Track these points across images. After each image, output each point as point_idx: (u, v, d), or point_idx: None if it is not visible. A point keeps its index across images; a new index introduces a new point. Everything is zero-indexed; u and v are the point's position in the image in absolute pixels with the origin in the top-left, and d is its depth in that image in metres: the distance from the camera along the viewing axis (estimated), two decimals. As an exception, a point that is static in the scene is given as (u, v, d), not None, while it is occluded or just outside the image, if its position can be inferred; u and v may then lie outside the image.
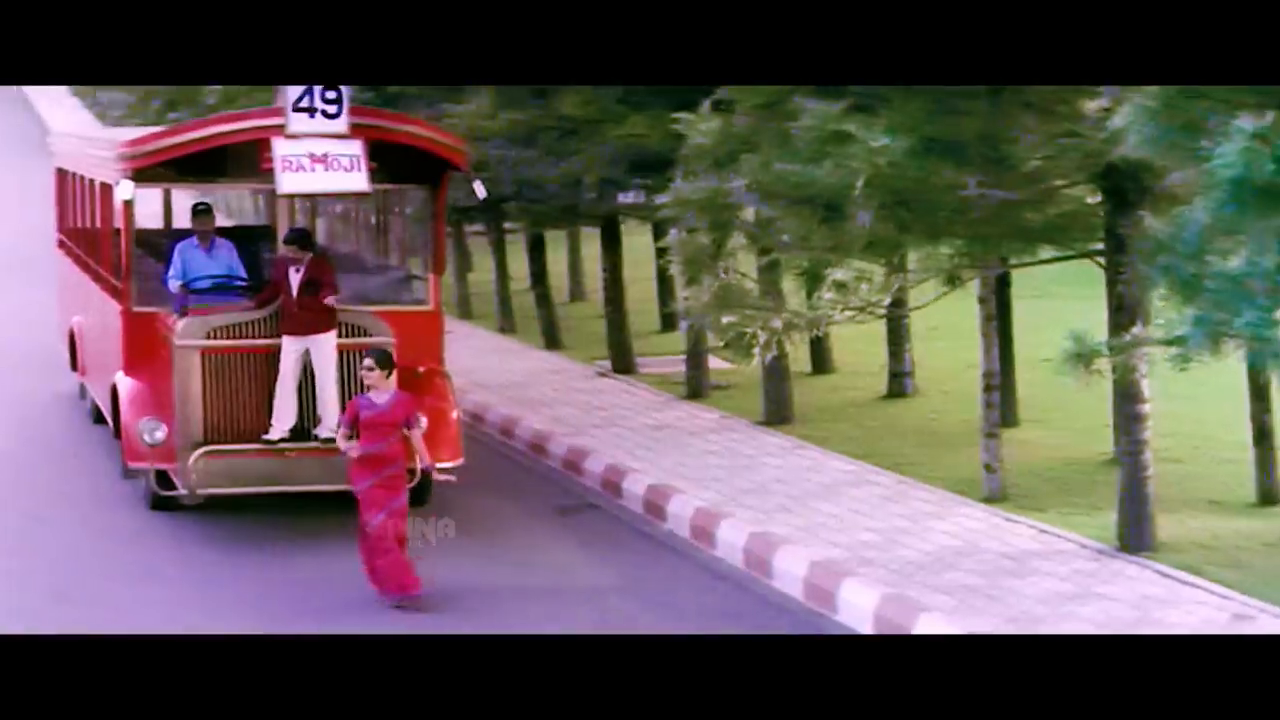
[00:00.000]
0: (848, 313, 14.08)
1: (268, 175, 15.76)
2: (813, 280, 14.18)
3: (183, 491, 15.66)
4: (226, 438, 15.66)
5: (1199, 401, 19.16)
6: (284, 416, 15.69)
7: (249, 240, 18.79)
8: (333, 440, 15.02)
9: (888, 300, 14.62)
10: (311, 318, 15.62)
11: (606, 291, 23.77)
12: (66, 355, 22.16)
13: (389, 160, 16.23)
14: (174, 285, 17.11)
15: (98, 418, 19.75)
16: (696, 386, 21.21)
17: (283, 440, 15.73)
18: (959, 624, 12.07)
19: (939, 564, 13.63)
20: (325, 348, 15.66)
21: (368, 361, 13.51)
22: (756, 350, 14.05)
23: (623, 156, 19.46)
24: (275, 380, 15.68)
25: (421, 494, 15.39)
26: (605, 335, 24.01)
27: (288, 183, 15.63)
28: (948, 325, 24.20)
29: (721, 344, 15.45)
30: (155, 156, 16.41)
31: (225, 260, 17.63)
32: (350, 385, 15.58)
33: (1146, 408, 13.80)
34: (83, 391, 21.43)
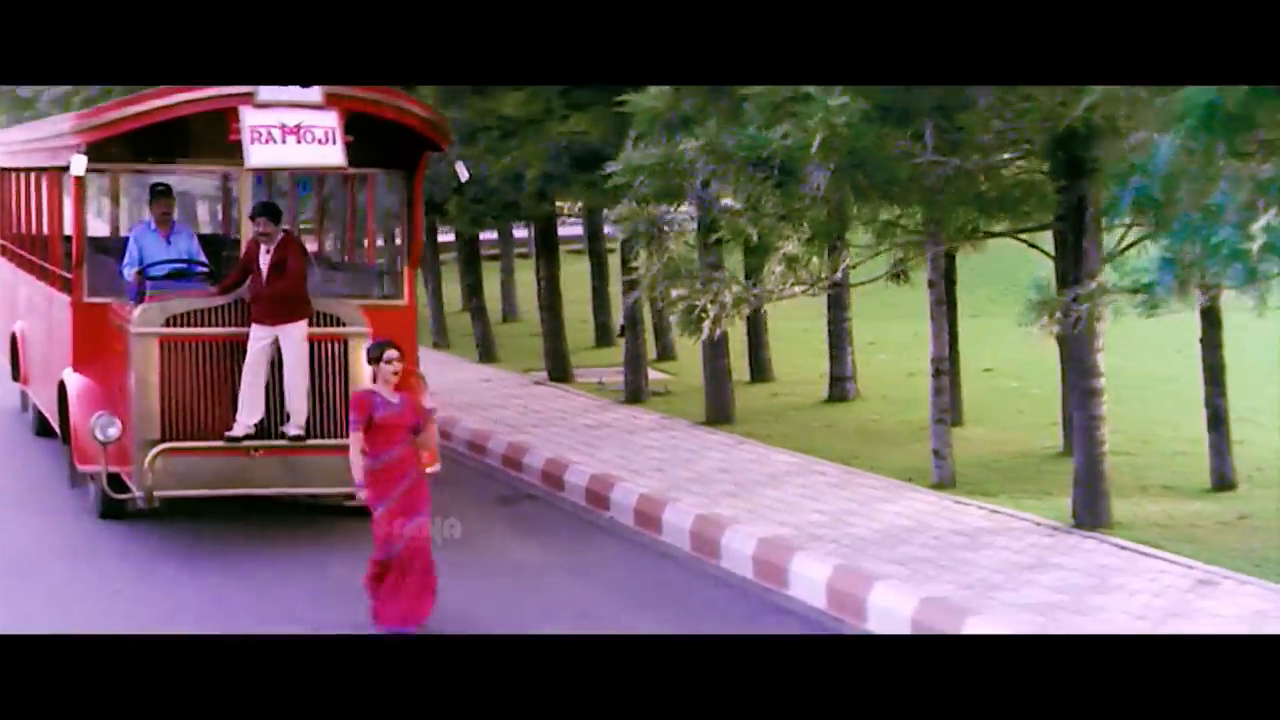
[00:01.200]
0: (797, 287, 13.76)
1: (233, 154, 14.42)
2: (760, 256, 13.86)
3: (137, 494, 14.27)
4: (186, 434, 14.28)
5: (1147, 402, 19.07)
6: (249, 411, 14.35)
7: (208, 247, 17.29)
8: (302, 438, 14.28)
9: (837, 275, 14.32)
10: (283, 305, 14.30)
11: (542, 299, 23.43)
12: (7, 365, 20.63)
13: (361, 139, 14.83)
14: (129, 273, 15.61)
15: (41, 429, 18.65)
16: (635, 391, 20.91)
17: (248, 438, 14.35)
18: (914, 591, 11.78)
19: (890, 539, 13.34)
20: (295, 337, 14.35)
21: (391, 354, 11.73)
22: (705, 325, 13.73)
23: (564, 153, 19.14)
24: (240, 372, 14.33)
25: None
26: (541, 348, 23.71)
27: (257, 155, 14.21)
28: (887, 340, 24.14)
29: (671, 317, 15.03)
30: (112, 128, 15.08)
31: (185, 246, 16.35)
32: (321, 379, 14.45)
33: (1101, 382, 13.57)
34: (24, 404, 20.30)
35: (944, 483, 15.21)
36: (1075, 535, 13.30)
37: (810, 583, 12.63)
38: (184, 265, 16.01)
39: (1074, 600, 11.43)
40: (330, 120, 14.33)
